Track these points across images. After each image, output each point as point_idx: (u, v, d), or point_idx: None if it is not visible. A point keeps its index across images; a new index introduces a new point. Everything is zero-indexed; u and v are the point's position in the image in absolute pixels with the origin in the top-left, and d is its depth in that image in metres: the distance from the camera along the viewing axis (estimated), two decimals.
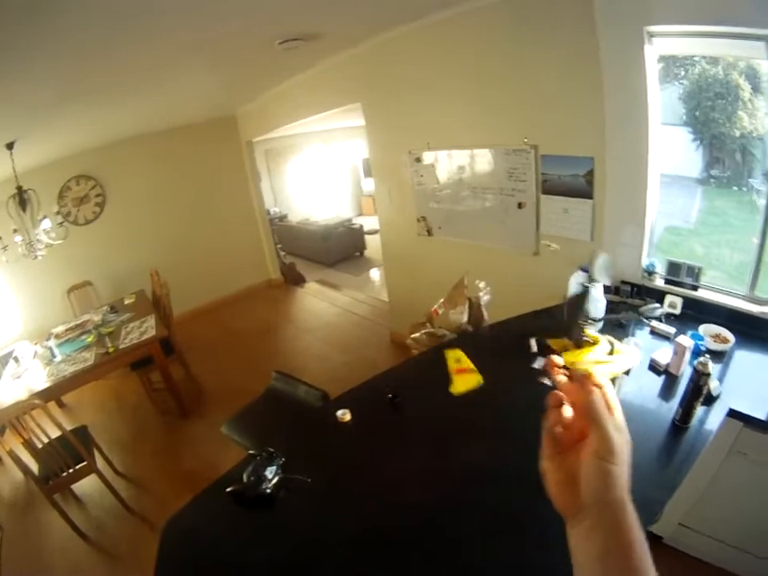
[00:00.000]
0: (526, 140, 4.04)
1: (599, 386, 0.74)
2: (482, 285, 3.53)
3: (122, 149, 7.19)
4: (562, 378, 0.79)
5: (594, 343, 0.76)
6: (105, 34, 2.89)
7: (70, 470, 3.88)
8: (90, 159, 6.93)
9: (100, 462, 4.27)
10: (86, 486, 4.18)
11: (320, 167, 13.22)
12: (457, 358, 1.61)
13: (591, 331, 0.79)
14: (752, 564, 2.86)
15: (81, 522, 4.01)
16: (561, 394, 0.77)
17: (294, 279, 9.52)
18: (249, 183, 9.05)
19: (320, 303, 8.56)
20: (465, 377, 1.61)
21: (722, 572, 3.01)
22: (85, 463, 3.92)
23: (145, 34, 3.11)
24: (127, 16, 2.69)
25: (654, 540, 3.15)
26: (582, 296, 0.83)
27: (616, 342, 0.74)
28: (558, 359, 0.80)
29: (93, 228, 7.25)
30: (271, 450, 2.23)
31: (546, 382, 0.72)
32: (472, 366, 1.61)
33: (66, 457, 3.84)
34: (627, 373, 2.78)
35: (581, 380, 0.75)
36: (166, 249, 7.90)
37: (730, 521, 2.87)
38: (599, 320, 3.13)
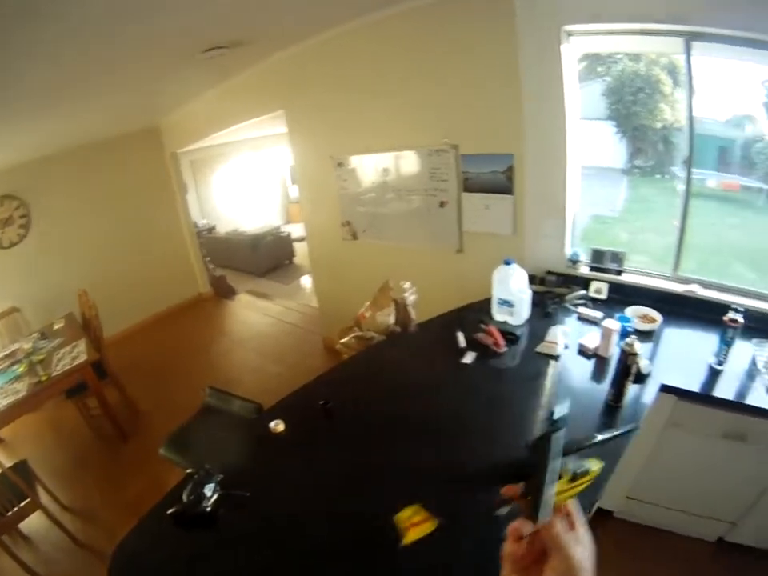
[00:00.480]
0: (446, 140, 4.08)
1: (563, 513, 0.76)
2: (407, 285, 3.57)
3: (47, 166, 6.95)
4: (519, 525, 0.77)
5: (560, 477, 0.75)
6: (20, 50, 2.82)
7: (14, 509, 3.72)
8: (14, 178, 6.67)
9: (44, 497, 4.15)
10: (33, 522, 4.03)
11: (247, 176, 13.11)
12: (409, 516, 1.60)
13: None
14: (696, 523, 3.04)
15: (31, 561, 3.86)
16: (519, 525, 0.75)
17: (224, 292, 9.41)
18: (175, 196, 8.87)
19: (252, 314, 8.50)
20: (418, 528, 1.60)
21: (671, 534, 3.17)
22: (29, 500, 3.77)
23: (64, 48, 3.05)
24: (41, 30, 2.63)
25: (605, 515, 3.27)
26: (546, 439, 0.81)
27: (581, 465, 0.73)
28: (514, 488, 0.80)
29: (18, 251, 6.95)
30: (208, 467, 2.20)
31: (502, 512, 0.71)
32: (425, 516, 1.60)
33: (9, 495, 3.71)
34: (557, 359, 2.86)
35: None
36: (95, 268, 7.68)
37: (674, 488, 3.00)
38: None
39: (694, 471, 2.85)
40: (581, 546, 0.72)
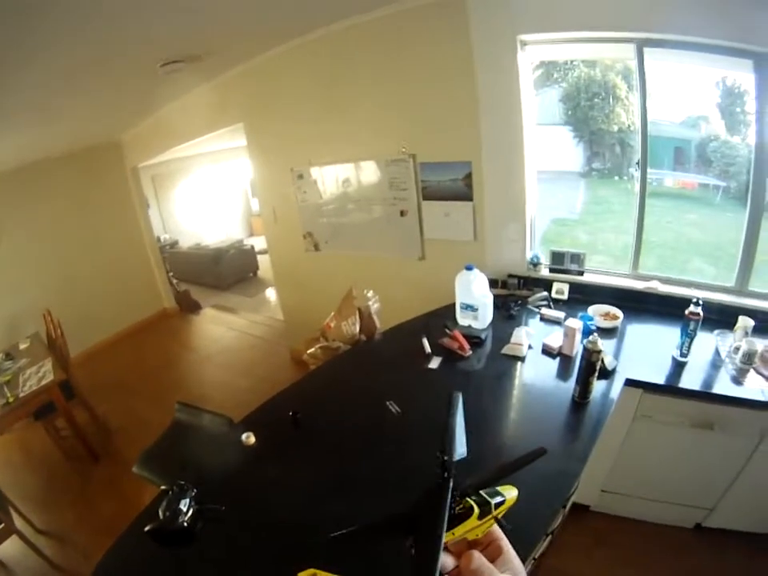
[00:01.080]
0: (403, 149, 4.11)
1: (486, 543, 0.75)
2: (370, 294, 3.57)
3: (5, 181, 6.79)
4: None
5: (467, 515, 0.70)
6: None
7: None
8: None
9: (18, 522, 4.07)
10: (8, 548, 3.95)
11: (209, 189, 13.00)
12: (311, 574, 1.55)
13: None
14: (673, 511, 3.13)
15: None
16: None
17: (189, 307, 9.34)
18: (136, 211, 8.79)
19: (217, 328, 8.45)
20: None
21: (650, 524, 3.23)
22: (2, 525, 3.74)
23: (16, 58, 3.01)
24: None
25: (582, 510, 3.30)
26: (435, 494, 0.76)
27: (493, 495, 0.70)
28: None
29: None
30: (182, 482, 2.19)
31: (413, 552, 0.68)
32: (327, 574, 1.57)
33: None
34: (522, 360, 2.90)
35: (457, 547, 0.74)
36: (58, 287, 7.56)
37: (648, 478, 3.07)
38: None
39: (666, 461, 2.92)
40: (509, 574, 0.71)
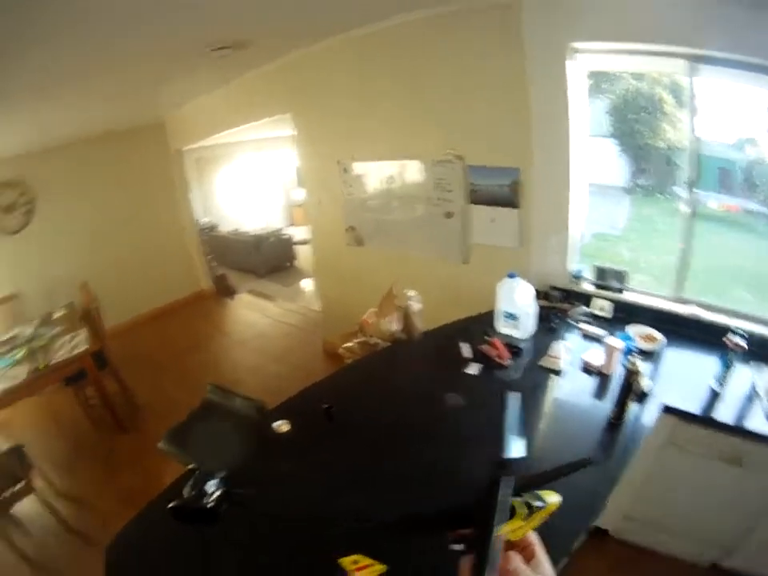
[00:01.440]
0: (449, 150, 4.10)
1: (522, 546, 0.77)
2: (412, 293, 3.57)
3: (51, 156, 6.90)
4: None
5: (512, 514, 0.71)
6: (33, 38, 2.82)
7: (8, 492, 3.75)
8: (17, 166, 6.64)
9: (39, 482, 4.14)
10: (26, 507, 4.02)
11: (251, 176, 13.02)
12: (354, 560, 1.56)
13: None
14: (690, 546, 3.03)
15: (23, 545, 3.87)
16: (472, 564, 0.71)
17: (225, 290, 9.39)
18: (178, 193, 8.88)
19: (252, 314, 8.48)
20: (367, 571, 1.56)
21: (665, 558, 3.12)
22: (23, 483, 3.80)
23: (77, 41, 3.06)
24: (57, 20, 2.64)
25: (601, 534, 3.24)
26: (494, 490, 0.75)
27: (537, 499, 0.70)
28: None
29: (20, 238, 6.93)
30: (210, 463, 2.20)
31: (458, 547, 0.67)
32: (370, 561, 1.57)
33: (3, 478, 3.73)
34: (559, 374, 2.88)
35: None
36: (97, 260, 7.66)
37: (669, 509, 2.98)
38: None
39: (690, 494, 2.84)
40: None
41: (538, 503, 0.76)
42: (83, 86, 4.33)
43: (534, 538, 0.78)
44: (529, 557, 0.76)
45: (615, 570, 3.10)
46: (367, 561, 1.58)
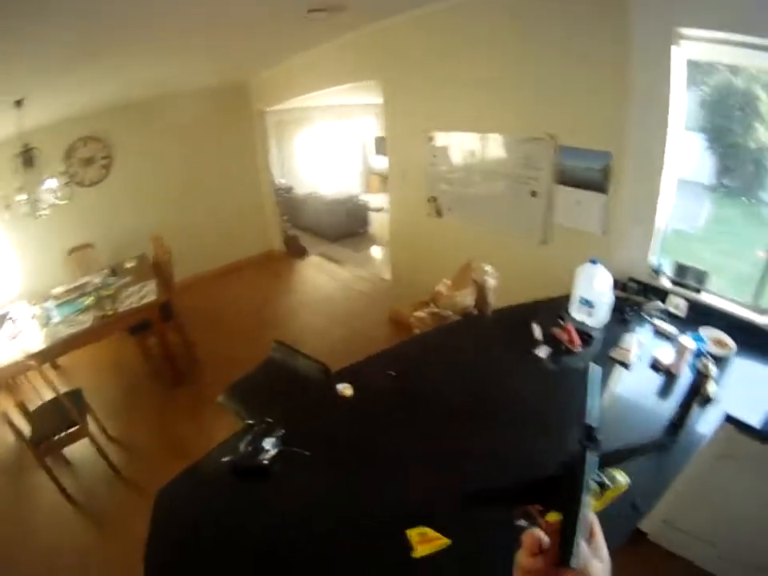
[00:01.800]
0: (545, 129, 4.03)
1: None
2: (489, 269, 3.54)
3: (131, 112, 7.07)
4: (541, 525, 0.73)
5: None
6: None
7: (63, 434, 3.85)
8: (99, 121, 6.80)
9: (92, 426, 4.25)
10: (78, 450, 4.14)
11: (330, 142, 12.99)
12: (422, 533, 1.55)
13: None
14: (725, 565, 2.94)
15: (71, 487, 3.99)
16: (538, 536, 0.70)
17: (296, 251, 9.46)
18: (257, 153, 8.95)
19: (321, 277, 8.55)
20: (430, 544, 1.56)
21: (698, 570, 3.05)
22: (78, 426, 3.89)
23: None
24: None
25: (638, 535, 3.16)
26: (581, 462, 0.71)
27: (609, 477, 0.68)
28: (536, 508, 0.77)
29: (97, 190, 7.11)
30: (270, 420, 2.22)
31: (522, 523, 0.65)
32: (437, 534, 1.56)
33: (59, 420, 3.82)
34: (628, 367, 2.85)
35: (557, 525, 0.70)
36: (170, 215, 7.82)
37: (717, 523, 2.89)
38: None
39: (737, 510, 2.77)
40: (597, 560, 0.69)
41: (610, 482, 0.74)
42: (174, 44, 4.41)
43: (594, 519, 0.74)
44: (589, 537, 0.71)
45: (647, 572, 3.04)
46: (434, 534, 1.61)
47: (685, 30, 3.14)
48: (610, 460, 0.79)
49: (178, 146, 7.77)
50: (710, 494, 2.81)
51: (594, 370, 0.85)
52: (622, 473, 0.76)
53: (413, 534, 1.60)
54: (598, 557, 0.69)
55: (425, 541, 1.60)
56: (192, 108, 7.65)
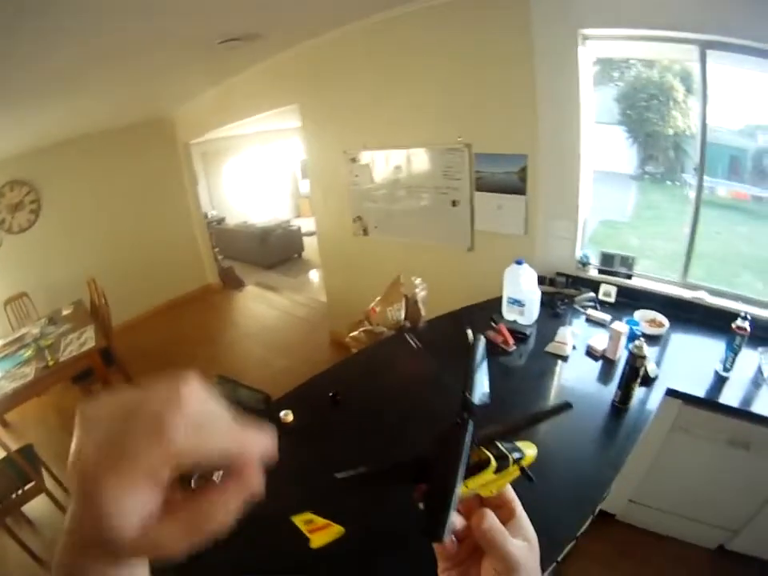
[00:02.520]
0: (460, 138, 4.11)
1: (498, 503, 0.68)
2: (417, 281, 3.58)
3: (57, 153, 6.92)
4: None
5: (482, 467, 0.59)
6: (35, 37, 2.83)
7: (19, 492, 3.77)
8: (24, 164, 6.65)
9: (49, 482, 4.14)
10: (37, 506, 4.05)
11: (258, 169, 13.01)
12: (308, 520, 1.49)
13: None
14: (697, 529, 3.05)
15: (35, 545, 3.87)
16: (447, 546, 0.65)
17: (232, 283, 9.39)
18: (186, 186, 8.88)
19: (259, 306, 8.51)
20: (323, 532, 1.51)
21: (672, 540, 3.16)
22: (33, 483, 3.81)
23: (80, 34, 3.06)
24: (61, 17, 2.64)
25: (607, 517, 3.26)
26: (454, 433, 0.64)
27: (512, 449, 0.61)
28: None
29: (28, 236, 6.93)
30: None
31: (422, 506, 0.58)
32: (326, 521, 1.50)
33: (14, 478, 3.74)
34: (565, 360, 2.90)
35: (468, 505, 0.66)
36: (104, 256, 7.68)
37: (676, 492, 3.01)
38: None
39: (696, 477, 2.87)
40: (521, 539, 0.63)
41: (515, 454, 0.68)
42: (89, 81, 4.33)
43: (512, 496, 0.69)
44: (507, 517, 0.66)
45: (622, 553, 3.13)
46: (321, 521, 1.54)
47: (588, 31, 3.26)
48: (512, 430, 0.74)
49: (107, 185, 7.64)
50: (668, 468, 2.91)
51: (478, 341, 0.84)
52: (530, 444, 0.70)
53: (299, 521, 1.54)
54: (520, 536, 0.64)
55: (317, 529, 1.56)
56: (119, 145, 7.57)
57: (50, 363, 4.63)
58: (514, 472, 0.68)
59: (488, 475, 0.64)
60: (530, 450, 0.72)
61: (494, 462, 0.65)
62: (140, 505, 0.39)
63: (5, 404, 4.43)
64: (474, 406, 0.69)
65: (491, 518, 0.61)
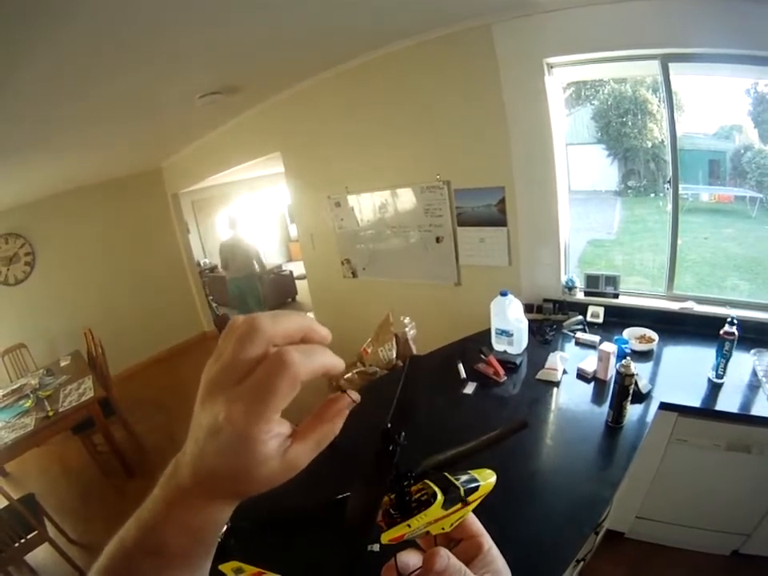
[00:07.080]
0: (438, 176, 4.18)
1: (462, 539, 0.64)
2: (406, 320, 3.64)
3: (51, 205, 7.01)
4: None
5: (429, 503, 0.54)
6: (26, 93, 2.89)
7: (21, 541, 3.74)
8: (18, 216, 6.74)
9: (51, 530, 4.13)
10: (40, 556, 4.03)
11: (248, 215, 12.82)
12: (236, 568, 1.34)
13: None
14: (709, 537, 3.02)
15: None
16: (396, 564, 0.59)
17: None
18: (177, 236, 8.94)
19: None
20: None
21: (685, 551, 3.13)
22: (36, 532, 3.79)
23: (68, 92, 3.13)
24: (50, 74, 2.71)
25: (616, 536, 3.23)
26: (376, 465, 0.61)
27: (464, 480, 0.55)
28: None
29: (24, 288, 7.00)
30: None
31: (375, 548, 0.52)
32: (258, 569, 1.35)
33: (16, 527, 3.71)
34: (557, 385, 2.91)
35: (428, 547, 0.62)
36: (100, 306, 7.72)
37: (683, 504, 2.99)
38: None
39: (701, 486, 2.87)
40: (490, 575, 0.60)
41: (467, 484, 0.62)
42: (77, 138, 4.43)
43: (478, 528, 0.65)
44: (473, 552, 0.63)
45: (635, 569, 3.09)
46: (252, 569, 1.42)
47: (552, 60, 3.35)
48: (465, 456, 0.67)
49: (100, 236, 7.71)
50: (672, 480, 2.90)
51: (411, 363, 0.75)
52: (488, 470, 0.62)
53: (227, 569, 1.42)
54: (489, 572, 0.60)
55: None
56: (111, 197, 7.65)
57: (50, 414, 4.63)
58: (474, 501, 0.63)
59: (436, 511, 0.59)
60: (487, 478, 0.66)
61: (440, 496, 0.60)
62: (283, 431, 0.49)
63: (5, 454, 4.43)
64: (398, 433, 0.61)
65: (445, 557, 0.56)
